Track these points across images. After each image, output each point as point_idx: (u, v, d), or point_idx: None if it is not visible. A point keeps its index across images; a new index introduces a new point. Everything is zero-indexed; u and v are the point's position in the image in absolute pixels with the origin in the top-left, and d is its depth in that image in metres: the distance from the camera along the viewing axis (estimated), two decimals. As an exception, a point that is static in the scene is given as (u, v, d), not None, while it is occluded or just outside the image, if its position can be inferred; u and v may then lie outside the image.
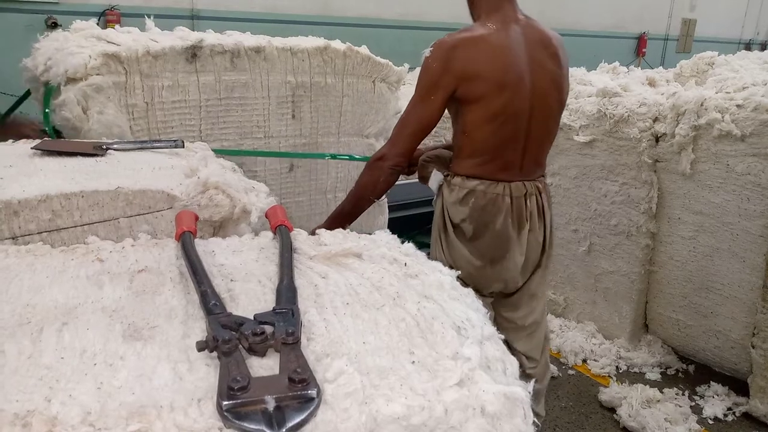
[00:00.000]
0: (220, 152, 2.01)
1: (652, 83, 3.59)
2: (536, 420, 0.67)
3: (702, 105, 2.67)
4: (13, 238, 1.08)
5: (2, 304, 0.78)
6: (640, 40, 15.55)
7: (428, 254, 1.05)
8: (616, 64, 3.97)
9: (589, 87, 3.27)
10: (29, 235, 1.10)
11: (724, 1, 16.78)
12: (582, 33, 14.07)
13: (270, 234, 1.07)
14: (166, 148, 1.58)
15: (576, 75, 3.53)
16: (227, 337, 0.67)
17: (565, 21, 13.91)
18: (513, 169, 1.91)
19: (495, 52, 1.82)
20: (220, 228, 1.25)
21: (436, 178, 2.02)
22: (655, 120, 2.84)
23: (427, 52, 1.87)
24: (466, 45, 1.83)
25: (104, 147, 1.49)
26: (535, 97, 1.86)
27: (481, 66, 1.81)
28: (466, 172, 1.92)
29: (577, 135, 3.14)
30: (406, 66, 3.18)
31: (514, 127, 1.86)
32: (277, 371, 0.64)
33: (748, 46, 16.26)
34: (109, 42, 2.23)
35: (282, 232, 1.02)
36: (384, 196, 2.41)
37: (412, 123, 1.89)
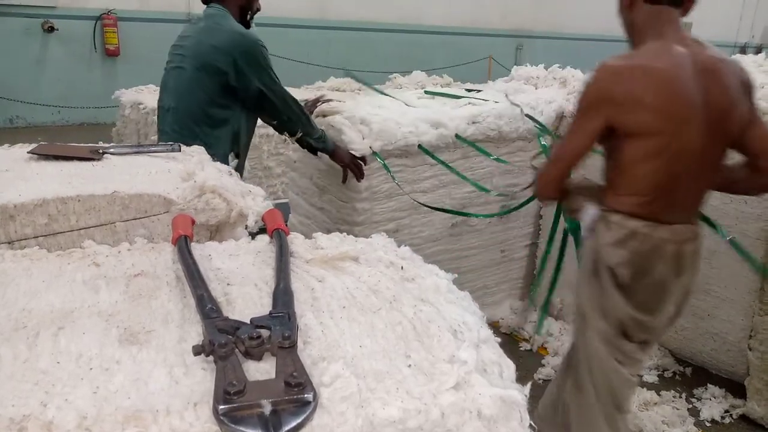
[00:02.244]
0: None
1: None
2: (532, 423, 0.67)
3: (698, 108, 2.68)
4: (9, 243, 1.08)
5: (-2, 308, 0.77)
6: (637, 44, 15.59)
7: None
8: (613, 67, 3.97)
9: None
10: (25, 239, 1.10)
11: (719, 4, 16.84)
12: (578, 37, 14.12)
13: (267, 238, 1.07)
14: (163, 152, 1.58)
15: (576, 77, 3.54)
16: (223, 341, 0.67)
17: (562, 25, 13.98)
18: (677, 210, 1.75)
19: (663, 81, 1.65)
20: (217, 232, 1.25)
21: (590, 212, 1.84)
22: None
23: (589, 74, 1.75)
24: (632, 72, 1.68)
25: (100, 151, 1.49)
26: (707, 131, 1.67)
27: (647, 96, 1.64)
28: (626, 209, 1.74)
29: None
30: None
31: (681, 164, 1.69)
32: (273, 375, 0.64)
33: (743, 50, 16.34)
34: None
35: (278, 236, 1.02)
36: None
37: (566, 150, 1.79)
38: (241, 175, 2.71)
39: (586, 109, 1.73)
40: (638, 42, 1.80)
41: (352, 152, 2.66)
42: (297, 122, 2.52)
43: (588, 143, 1.74)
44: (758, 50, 16.59)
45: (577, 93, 1.79)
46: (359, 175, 2.69)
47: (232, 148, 2.54)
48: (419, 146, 2.82)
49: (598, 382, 1.81)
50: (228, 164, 2.47)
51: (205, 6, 2.49)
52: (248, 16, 2.55)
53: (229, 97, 2.40)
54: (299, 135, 2.53)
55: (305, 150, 2.71)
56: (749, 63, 3.69)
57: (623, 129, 1.68)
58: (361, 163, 2.68)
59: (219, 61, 2.32)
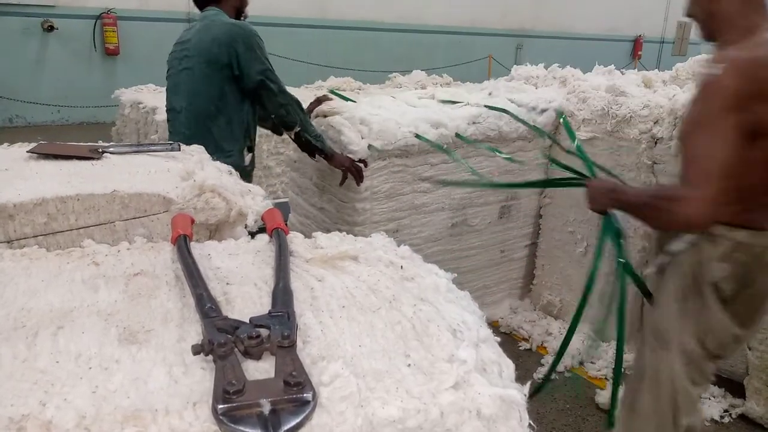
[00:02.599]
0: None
1: (647, 84, 3.61)
2: (532, 423, 0.67)
3: (698, 108, 2.67)
4: (8, 242, 1.08)
5: (-3, 307, 0.77)
6: (636, 44, 15.61)
7: None
8: (611, 67, 3.98)
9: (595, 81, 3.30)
10: (24, 238, 1.09)
11: (720, 3, 16.82)
12: (578, 36, 14.13)
13: (266, 237, 1.07)
14: (162, 151, 1.58)
15: (576, 76, 3.55)
16: (223, 340, 0.67)
17: (562, 24, 13.98)
18: None
19: None
20: (216, 231, 1.25)
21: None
22: (656, 122, 2.85)
23: (712, 70, 1.58)
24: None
25: (100, 150, 1.49)
26: None
27: None
28: (729, 219, 1.60)
29: (578, 130, 3.15)
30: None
31: None
32: (272, 374, 0.64)
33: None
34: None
35: (278, 235, 1.02)
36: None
37: (711, 164, 1.51)
38: (253, 169, 2.71)
39: (724, 110, 1.50)
40: (724, 35, 1.64)
41: (351, 155, 2.66)
42: (295, 116, 2.50)
43: (733, 148, 1.50)
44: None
45: (698, 95, 1.58)
46: (359, 179, 2.69)
47: (245, 143, 2.55)
48: (416, 136, 2.82)
49: (662, 401, 1.74)
50: (244, 159, 2.48)
51: (200, 11, 2.61)
52: (242, 17, 2.64)
53: (237, 90, 2.44)
54: (297, 129, 2.52)
55: (305, 151, 2.72)
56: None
57: (761, 128, 1.50)
58: (361, 166, 2.68)
59: (221, 54, 2.38)
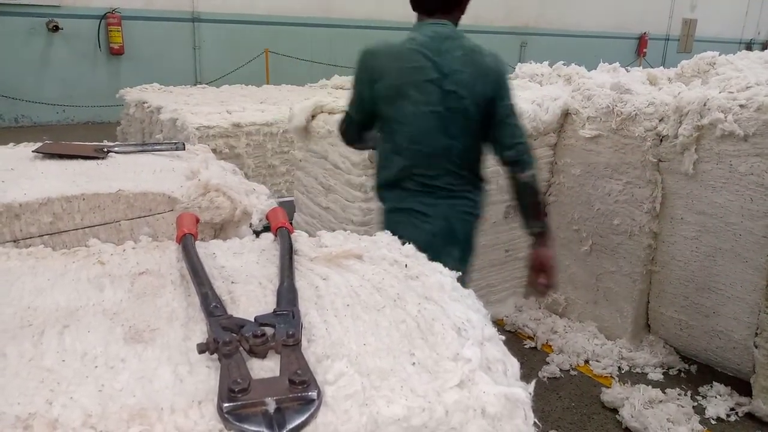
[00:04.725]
0: None
1: (652, 81, 3.59)
2: (537, 421, 0.66)
3: (705, 105, 2.67)
4: (14, 241, 1.08)
5: (3, 306, 0.78)
6: (641, 41, 15.55)
7: None
8: (616, 64, 3.97)
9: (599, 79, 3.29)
10: (30, 238, 1.10)
11: (724, 1, 16.77)
12: (583, 34, 14.08)
13: (271, 236, 1.07)
14: (167, 150, 1.59)
15: (581, 74, 3.54)
16: (228, 339, 0.67)
17: (566, 22, 13.94)
18: None
19: None
20: (221, 230, 1.25)
21: None
22: (661, 120, 2.84)
23: None
24: None
25: (105, 150, 1.50)
26: None
27: None
28: None
29: (583, 128, 3.14)
30: None
31: None
32: (277, 373, 0.64)
33: (749, 46, 16.26)
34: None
35: (283, 234, 1.02)
36: None
37: None
38: None
39: None
40: None
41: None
42: (529, 151, 2.03)
43: None
44: (764, 47, 16.53)
45: None
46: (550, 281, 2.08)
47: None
48: None
49: None
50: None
51: (421, 19, 2.03)
52: None
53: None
54: (531, 172, 2.00)
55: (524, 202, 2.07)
56: (755, 59, 3.68)
57: None
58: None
59: (487, 90, 1.96)
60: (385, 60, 1.96)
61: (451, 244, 2.00)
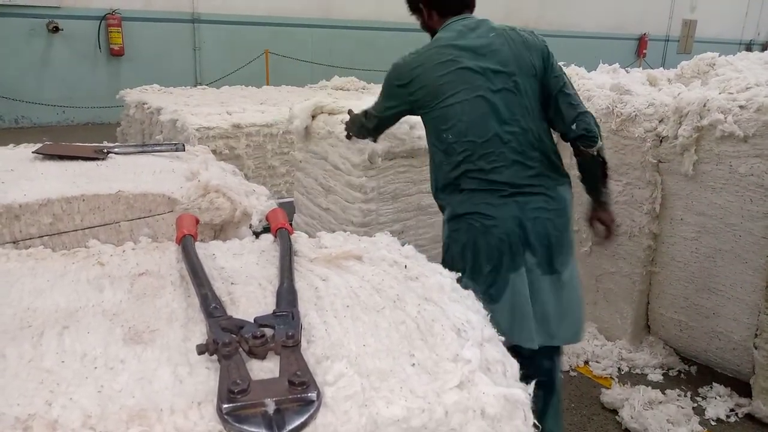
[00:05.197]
0: None
1: (652, 82, 3.59)
2: (536, 422, 0.66)
3: (705, 106, 2.67)
4: (14, 242, 1.09)
5: (3, 307, 0.78)
6: (641, 41, 15.56)
7: None
8: (616, 65, 3.97)
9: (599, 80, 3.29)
10: (30, 239, 1.10)
11: (724, 2, 16.79)
12: (582, 34, 14.09)
13: (270, 237, 1.07)
14: (167, 151, 1.59)
15: (580, 74, 3.54)
16: (227, 340, 0.67)
17: (566, 22, 13.95)
18: None
19: None
20: (221, 231, 1.25)
21: None
22: (661, 121, 2.84)
23: None
24: None
25: (105, 150, 1.50)
26: None
27: None
28: None
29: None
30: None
31: None
32: (277, 374, 0.64)
33: (748, 47, 16.28)
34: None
35: (282, 235, 1.02)
36: None
37: None
38: None
39: None
40: None
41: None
42: (594, 121, 1.95)
43: None
44: (764, 47, 16.54)
45: None
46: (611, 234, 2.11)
47: None
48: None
49: None
50: None
51: (445, 20, 1.98)
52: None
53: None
54: (600, 144, 1.94)
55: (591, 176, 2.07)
56: (755, 60, 3.68)
57: None
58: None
59: (536, 61, 1.91)
60: (418, 67, 1.90)
61: (527, 250, 1.84)
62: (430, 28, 2.02)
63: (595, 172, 2.02)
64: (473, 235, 1.83)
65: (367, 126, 2.20)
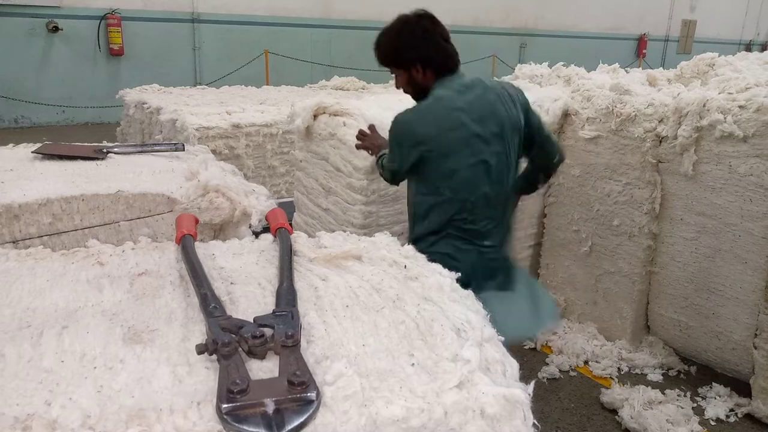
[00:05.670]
0: None
1: (652, 82, 3.59)
2: (536, 422, 0.66)
3: (704, 106, 2.67)
4: (13, 242, 1.08)
5: (3, 307, 0.78)
6: (641, 42, 15.57)
7: None
8: (616, 65, 3.97)
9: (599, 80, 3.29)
10: (30, 238, 1.10)
11: (724, 1, 16.80)
12: (582, 35, 14.10)
13: (270, 237, 1.07)
14: (167, 151, 1.59)
15: (580, 75, 3.54)
16: (227, 339, 0.67)
17: (566, 23, 13.95)
18: None
19: None
20: (221, 231, 1.25)
21: None
22: (661, 121, 2.85)
23: None
24: None
25: (104, 150, 1.50)
26: None
27: None
28: None
29: (582, 129, 3.14)
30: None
31: None
32: (276, 374, 0.64)
33: (748, 47, 16.29)
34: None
35: (282, 234, 1.02)
36: None
37: None
38: None
39: None
40: None
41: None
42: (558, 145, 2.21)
43: None
44: (763, 47, 16.55)
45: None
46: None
47: None
48: None
49: None
50: None
51: (442, 79, 2.01)
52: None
53: None
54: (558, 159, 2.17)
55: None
56: (754, 60, 3.68)
57: None
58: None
59: (521, 117, 2.03)
60: (426, 127, 1.94)
61: (481, 289, 1.96)
62: (421, 87, 2.03)
63: (544, 183, 2.30)
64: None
65: (386, 177, 2.18)
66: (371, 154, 2.37)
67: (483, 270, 2.00)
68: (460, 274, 1.83)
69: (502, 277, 2.08)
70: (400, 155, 1.99)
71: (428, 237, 2.00)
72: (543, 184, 2.31)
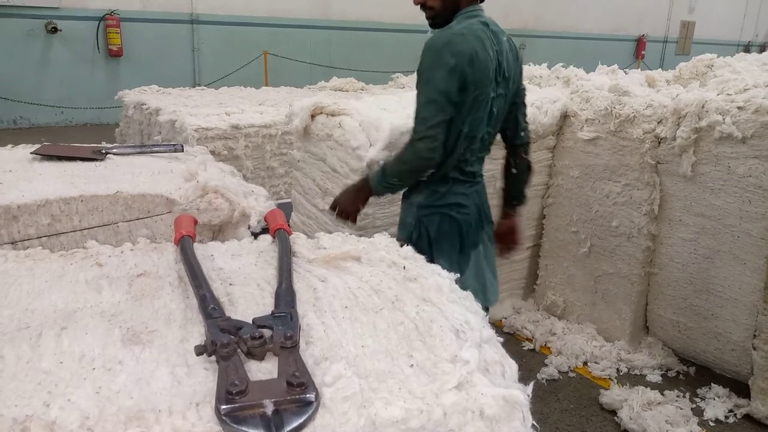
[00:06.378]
0: None
1: (651, 83, 3.59)
2: (535, 423, 0.66)
3: (703, 107, 2.67)
4: (12, 243, 1.08)
5: (1, 308, 0.78)
6: (639, 43, 15.58)
7: None
8: (615, 66, 3.97)
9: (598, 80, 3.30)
10: (28, 239, 1.10)
11: (722, 3, 16.82)
12: (581, 36, 14.11)
13: (269, 238, 1.07)
14: (166, 152, 1.58)
15: (579, 76, 3.55)
16: (226, 341, 0.67)
17: (565, 24, 13.96)
18: None
19: None
20: (220, 232, 1.25)
21: None
22: (660, 122, 2.85)
23: None
24: None
25: (103, 151, 1.49)
26: None
27: None
28: None
29: (581, 130, 3.14)
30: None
31: None
32: (275, 375, 0.64)
33: (746, 48, 16.32)
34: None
35: (281, 235, 1.02)
36: None
37: None
38: None
39: None
40: None
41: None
42: None
43: None
44: (762, 49, 16.57)
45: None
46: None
47: None
48: None
49: None
50: None
51: (473, 7, 1.92)
52: None
53: None
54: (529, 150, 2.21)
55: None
56: (753, 62, 3.69)
57: None
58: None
59: (519, 72, 2.06)
60: (471, 50, 1.78)
61: (482, 230, 2.08)
62: (455, 4, 1.89)
63: (526, 178, 2.21)
64: (445, 222, 1.99)
65: (428, 147, 1.83)
66: (353, 218, 2.08)
67: (484, 207, 2.08)
68: (470, 225, 1.89)
69: (490, 217, 2.16)
70: (446, 84, 1.77)
71: (439, 187, 1.96)
72: (525, 176, 2.19)
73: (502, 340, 0.78)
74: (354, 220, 2.09)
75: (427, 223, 2.00)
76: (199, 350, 0.66)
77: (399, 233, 2.12)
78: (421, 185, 2.00)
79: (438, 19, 1.93)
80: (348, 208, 2.06)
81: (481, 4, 1.95)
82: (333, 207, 2.10)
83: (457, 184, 1.97)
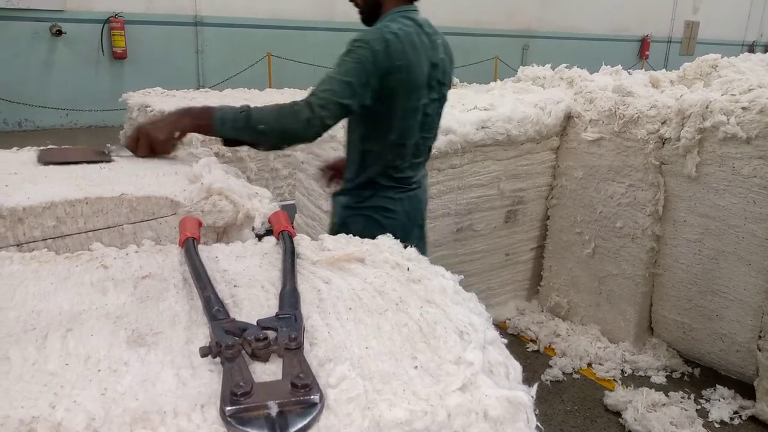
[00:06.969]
0: None
1: (655, 83, 3.59)
2: (539, 425, 0.66)
3: (707, 108, 2.67)
4: (17, 245, 1.09)
5: (7, 310, 0.78)
6: (643, 43, 15.56)
7: None
8: (619, 67, 3.97)
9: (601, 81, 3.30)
10: (34, 242, 1.10)
11: (727, 3, 16.78)
12: (585, 36, 14.09)
13: (273, 239, 1.07)
14: (170, 154, 1.58)
15: (583, 76, 3.55)
16: (230, 342, 0.67)
17: (568, 24, 13.95)
18: None
19: None
20: (224, 234, 1.25)
21: None
22: (664, 122, 2.85)
23: None
24: None
25: (107, 152, 1.50)
26: None
27: None
28: None
29: (585, 131, 3.14)
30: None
31: None
32: (279, 376, 0.64)
33: (751, 48, 16.28)
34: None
35: (285, 237, 1.03)
36: None
37: None
38: None
39: None
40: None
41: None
42: None
43: None
44: (766, 49, 16.53)
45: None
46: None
47: None
48: None
49: None
50: None
51: (405, 7, 1.84)
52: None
53: None
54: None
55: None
56: (757, 62, 3.68)
57: None
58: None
59: (451, 76, 2.01)
60: (402, 53, 1.73)
61: (410, 236, 1.98)
62: (377, 5, 1.85)
63: None
64: (369, 224, 1.92)
65: (312, 121, 1.65)
66: (162, 147, 1.55)
67: (414, 213, 2.00)
68: (396, 229, 1.63)
69: (422, 221, 2.10)
70: (366, 82, 1.68)
71: (362, 191, 1.92)
72: None
73: (506, 341, 0.78)
74: (164, 149, 1.52)
75: (350, 224, 1.94)
76: (204, 352, 0.67)
77: (328, 232, 2.09)
78: (347, 186, 1.97)
79: (364, 15, 1.95)
80: (154, 132, 1.51)
81: (416, 4, 1.87)
82: (137, 131, 1.55)
83: (383, 189, 1.91)
